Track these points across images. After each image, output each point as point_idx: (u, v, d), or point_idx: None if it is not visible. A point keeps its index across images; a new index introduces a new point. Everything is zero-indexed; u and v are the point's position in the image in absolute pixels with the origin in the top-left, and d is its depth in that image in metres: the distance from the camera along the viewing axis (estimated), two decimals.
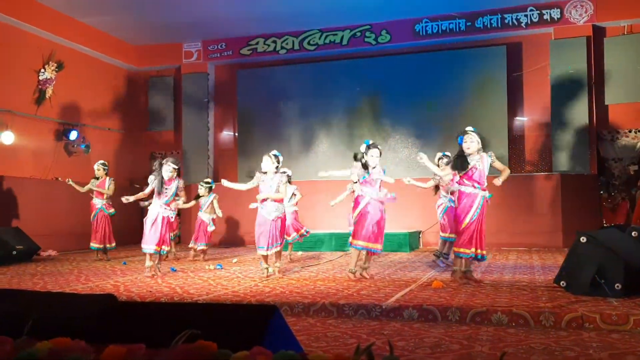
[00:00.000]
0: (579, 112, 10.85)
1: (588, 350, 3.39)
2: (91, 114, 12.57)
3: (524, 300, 4.65)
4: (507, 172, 5.92)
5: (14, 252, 8.79)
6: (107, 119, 13.17)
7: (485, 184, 5.81)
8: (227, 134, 13.71)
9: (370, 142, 6.35)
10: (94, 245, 9.27)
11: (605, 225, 10.32)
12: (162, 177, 6.95)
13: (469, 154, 5.77)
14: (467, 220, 5.71)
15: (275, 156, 6.69)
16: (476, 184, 5.74)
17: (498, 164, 5.89)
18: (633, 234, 5.43)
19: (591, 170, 10.76)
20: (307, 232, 8.82)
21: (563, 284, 5.07)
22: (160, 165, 7.01)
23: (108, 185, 9.30)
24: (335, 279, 6.34)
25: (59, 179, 11.32)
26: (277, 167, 6.66)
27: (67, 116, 11.83)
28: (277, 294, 5.32)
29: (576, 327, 4.01)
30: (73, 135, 11.64)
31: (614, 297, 4.63)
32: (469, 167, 5.74)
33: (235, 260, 8.74)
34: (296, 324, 4.29)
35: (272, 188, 6.58)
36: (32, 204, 10.45)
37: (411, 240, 10.16)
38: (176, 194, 7.25)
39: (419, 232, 11.05)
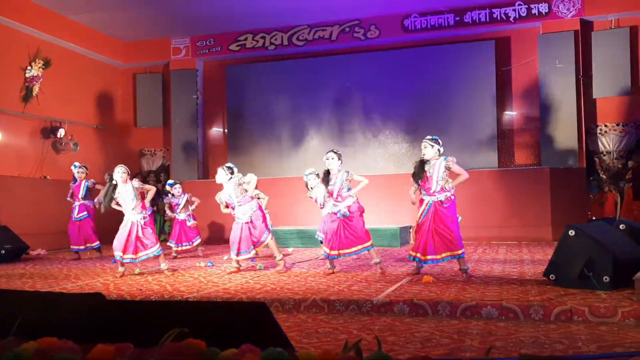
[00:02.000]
0: (568, 106, 10.92)
1: (577, 343, 3.42)
2: (79, 111, 12.46)
3: (514, 294, 4.68)
4: (462, 177, 6.01)
5: (2, 252, 8.72)
6: (95, 116, 13.07)
7: (437, 188, 5.92)
8: (216, 131, 13.66)
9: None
10: (73, 247, 9.17)
11: (593, 218, 10.39)
12: (115, 184, 6.75)
13: (427, 161, 6.04)
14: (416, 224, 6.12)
15: (229, 168, 6.82)
16: (423, 190, 6.01)
17: (456, 168, 6.00)
18: (621, 227, 5.49)
19: (580, 164, 10.83)
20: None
21: (552, 277, 5.10)
22: (111, 177, 6.79)
23: (84, 187, 9.17)
24: (326, 275, 6.34)
25: (47, 177, 11.24)
26: (230, 178, 6.72)
27: (55, 114, 11.72)
28: (268, 290, 5.32)
29: (565, 320, 4.04)
30: (61, 132, 11.53)
31: (602, 289, 4.67)
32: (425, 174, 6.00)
33: (226, 257, 8.70)
34: (287, 320, 4.30)
35: (234, 195, 6.69)
36: (20, 202, 10.35)
37: (402, 235, 10.17)
38: (139, 197, 6.88)
39: (410, 227, 11.06)
